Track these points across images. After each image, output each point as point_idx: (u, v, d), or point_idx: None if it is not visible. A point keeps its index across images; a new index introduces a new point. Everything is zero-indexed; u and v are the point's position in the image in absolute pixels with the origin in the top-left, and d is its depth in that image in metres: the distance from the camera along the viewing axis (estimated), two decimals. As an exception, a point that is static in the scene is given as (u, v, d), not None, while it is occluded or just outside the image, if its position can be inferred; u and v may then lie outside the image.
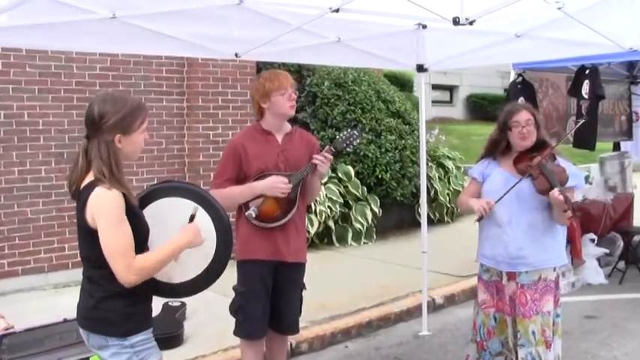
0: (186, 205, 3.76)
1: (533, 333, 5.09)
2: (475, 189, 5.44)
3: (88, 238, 3.43)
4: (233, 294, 5.28)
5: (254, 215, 5.03)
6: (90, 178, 3.43)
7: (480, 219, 5.24)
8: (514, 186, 5.04)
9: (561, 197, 4.79)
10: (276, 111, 5.13)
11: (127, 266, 3.36)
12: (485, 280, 5.39)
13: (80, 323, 3.65)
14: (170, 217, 3.72)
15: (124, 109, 3.48)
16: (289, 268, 5.25)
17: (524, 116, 5.14)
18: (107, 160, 3.42)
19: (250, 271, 5.17)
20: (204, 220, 3.77)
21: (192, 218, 3.72)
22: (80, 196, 3.45)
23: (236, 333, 5.32)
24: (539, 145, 5.18)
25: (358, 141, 5.50)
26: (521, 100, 8.61)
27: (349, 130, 5.49)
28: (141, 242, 3.51)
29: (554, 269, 5.24)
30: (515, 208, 5.10)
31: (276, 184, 5.02)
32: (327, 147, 5.21)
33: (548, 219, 5.12)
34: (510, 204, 5.09)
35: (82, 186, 3.45)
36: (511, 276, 5.18)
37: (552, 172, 5.00)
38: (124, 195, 3.42)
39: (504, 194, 5.05)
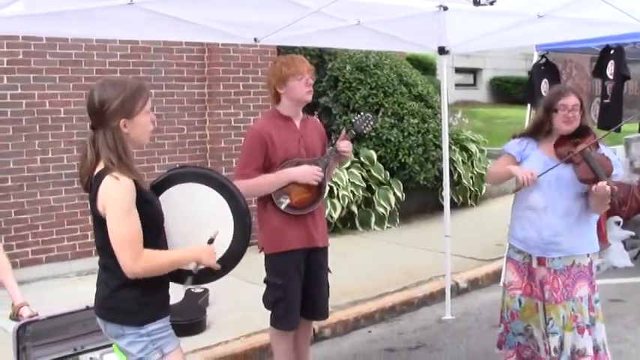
0: (203, 191, 3.74)
1: (564, 318, 5.03)
2: (509, 164, 5.26)
3: (101, 226, 3.42)
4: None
5: (286, 203, 4.99)
6: (100, 167, 3.42)
7: (518, 189, 5.12)
8: (556, 166, 4.93)
9: (609, 188, 4.66)
10: (293, 96, 5.08)
11: (133, 257, 3.34)
12: (517, 261, 5.28)
13: (97, 312, 3.65)
14: (186, 202, 3.70)
15: (123, 93, 3.44)
16: (319, 252, 5.24)
17: (572, 100, 5.01)
18: (114, 148, 3.40)
19: (286, 263, 5.11)
20: (220, 205, 3.75)
21: (211, 241, 3.69)
22: (92, 187, 3.44)
23: (275, 325, 5.25)
24: (582, 131, 5.07)
25: (373, 123, 5.46)
26: (544, 82, 8.53)
27: (363, 114, 5.48)
28: (154, 228, 3.50)
29: (588, 255, 5.16)
30: (553, 193, 5.01)
31: (312, 171, 5.00)
32: (345, 133, 5.18)
33: (585, 206, 5.04)
34: (548, 189, 5.00)
35: (94, 175, 3.44)
36: (541, 261, 5.11)
37: (597, 162, 4.86)
38: (135, 182, 3.39)
39: (547, 170, 4.93)
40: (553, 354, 5.05)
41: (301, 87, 5.04)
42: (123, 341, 3.56)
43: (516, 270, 5.30)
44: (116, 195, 3.33)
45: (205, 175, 3.88)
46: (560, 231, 5.01)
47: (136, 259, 3.35)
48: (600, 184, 4.71)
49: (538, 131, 5.23)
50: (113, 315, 3.55)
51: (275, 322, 5.24)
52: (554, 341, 5.04)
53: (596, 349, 5.11)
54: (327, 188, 5.38)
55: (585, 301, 5.10)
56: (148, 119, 3.55)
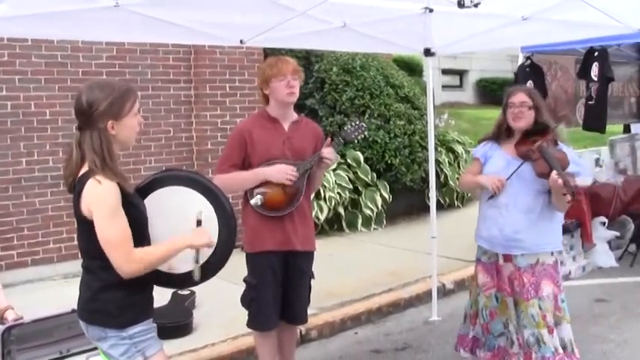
0: (188, 194, 3.74)
1: (533, 316, 5.11)
2: (478, 169, 5.44)
3: (85, 229, 3.43)
4: (242, 283, 5.26)
5: (259, 203, 4.99)
6: (85, 169, 3.42)
7: (491, 197, 5.22)
8: (518, 168, 5.06)
9: (560, 181, 4.76)
10: (276, 97, 5.10)
11: (124, 257, 3.35)
12: (484, 261, 5.43)
13: (79, 315, 3.64)
14: (172, 206, 3.70)
15: (112, 94, 3.44)
16: (299, 257, 5.22)
17: (518, 98, 5.18)
18: (100, 150, 3.39)
19: (261, 263, 5.13)
20: (205, 209, 3.75)
21: (199, 223, 3.69)
22: (75, 188, 3.45)
23: (249, 325, 5.30)
24: (542, 129, 5.18)
25: (365, 133, 5.47)
26: (529, 83, 8.57)
27: (357, 123, 5.46)
28: (139, 231, 3.49)
29: (552, 254, 5.25)
30: (514, 191, 5.12)
31: (284, 169, 4.99)
32: (332, 140, 5.18)
33: (547, 203, 5.13)
34: (509, 187, 5.12)
35: (78, 177, 3.44)
36: (507, 258, 5.22)
37: (553, 156, 4.98)
38: (119, 185, 3.39)
39: (514, 171, 5.07)
40: (525, 347, 5.16)
41: (282, 88, 5.05)
42: (105, 344, 3.56)
43: (485, 271, 5.42)
44: (102, 197, 3.33)
45: (190, 178, 3.88)
46: (521, 228, 5.11)
47: (128, 260, 3.36)
48: (552, 176, 4.82)
49: (498, 131, 5.40)
50: (95, 317, 3.53)
51: (250, 322, 5.29)
52: (526, 334, 5.15)
53: (563, 347, 5.18)
54: (311, 194, 5.36)
55: (553, 301, 5.19)
56: (135, 121, 3.56)
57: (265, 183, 5.02)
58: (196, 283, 3.87)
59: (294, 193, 5.09)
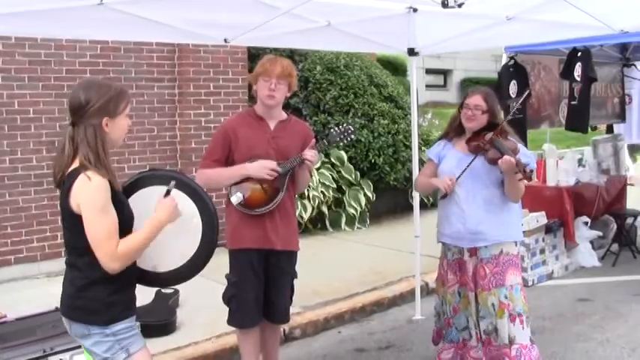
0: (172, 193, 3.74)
1: (493, 305, 5.26)
2: (432, 170, 5.64)
3: (72, 223, 3.44)
4: (226, 281, 5.27)
5: (239, 201, 5.00)
6: (76, 164, 3.43)
7: (444, 196, 5.40)
8: (471, 162, 5.22)
9: (512, 160, 4.93)
10: (258, 96, 5.15)
11: (110, 253, 3.37)
12: (448, 259, 5.58)
13: (63, 312, 3.64)
14: (154, 205, 3.69)
15: (109, 93, 3.50)
16: (280, 256, 5.22)
17: (473, 100, 5.35)
18: (94, 146, 3.42)
19: (241, 260, 5.15)
20: (189, 207, 3.76)
21: (168, 193, 3.69)
22: (64, 184, 3.45)
23: (230, 322, 5.31)
24: (492, 128, 5.33)
25: (353, 137, 5.48)
26: (513, 83, 8.61)
27: (345, 125, 5.45)
28: (125, 230, 3.49)
29: (516, 244, 5.44)
30: (470, 185, 5.28)
31: (265, 164, 5.00)
32: (317, 143, 5.19)
33: (504, 195, 5.29)
34: (465, 181, 5.27)
35: (67, 172, 3.45)
36: (472, 252, 5.37)
37: (503, 144, 5.16)
38: (110, 182, 3.42)
39: (463, 171, 5.24)
40: (483, 336, 5.34)
41: (264, 89, 5.07)
42: (88, 341, 3.56)
43: (449, 268, 5.58)
44: (92, 192, 3.35)
45: (174, 178, 3.88)
46: (482, 219, 5.26)
47: (113, 257, 3.38)
48: (504, 157, 4.98)
49: (450, 127, 5.60)
50: (79, 314, 3.54)
51: (230, 319, 5.30)
52: (483, 325, 5.33)
53: (532, 342, 5.36)
54: (294, 193, 5.37)
55: (517, 290, 5.33)
56: (126, 122, 3.61)
57: (246, 180, 5.03)
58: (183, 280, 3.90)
59: (274, 193, 5.10)
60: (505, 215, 5.31)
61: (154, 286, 4.35)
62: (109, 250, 3.36)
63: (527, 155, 5.35)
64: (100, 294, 3.49)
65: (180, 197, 3.75)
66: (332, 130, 5.47)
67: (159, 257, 3.69)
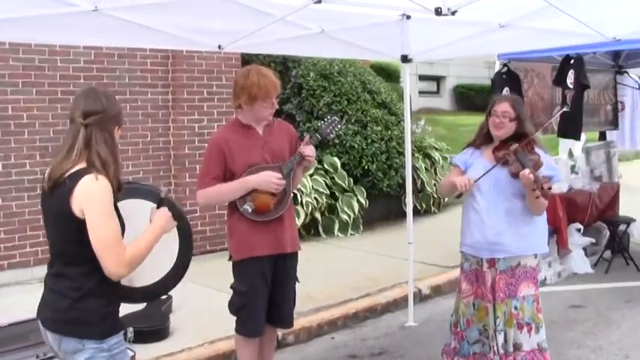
0: (147, 207, 3.73)
1: (505, 314, 5.25)
2: (457, 176, 5.48)
3: (70, 229, 3.33)
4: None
5: (250, 210, 4.98)
6: (80, 166, 3.34)
7: (459, 195, 5.37)
8: (492, 168, 5.17)
9: (531, 176, 4.89)
10: (256, 115, 5.10)
11: (116, 258, 3.28)
12: (465, 269, 5.52)
13: (49, 327, 3.49)
14: (133, 217, 3.63)
15: (119, 106, 3.55)
16: (287, 258, 5.24)
17: (501, 107, 5.27)
18: (112, 150, 3.42)
19: (252, 269, 5.10)
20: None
21: (161, 203, 3.68)
22: (62, 185, 3.34)
23: (239, 331, 5.25)
24: (520, 137, 5.26)
25: (340, 127, 5.50)
26: (506, 90, 8.62)
27: (329, 117, 5.50)
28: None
29: (535, 256, 5.38)
30: (493, 195, 5.23)
31: (270, 179, 4.98)
32: (309, 137, 5.21)
33: (526, 207, 5.21)
34: (488, 191, 5.23)
35: (69, 174, 3.33)
36: (491, 263, 5.30)
37: (527, 157, 5.11)
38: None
39: (482, 175, 5.18)
40: (501, 350, 5.25)
41: (265, 110, 5.07)
42: (81, 356, 3.40)
43: (465, 278, 5.52)
44: (98, 195, 3.28)
45: (151, 192, 3.88)
46: (502, 231, 5.20)
47: (119, 262, 3.29)
48: (523, 173, 4.94)
49: (478, 136, 5.51)
50: (73, 328, 3.39)
51: (239, 328, 5.24)
52: (500, 339, 5.25)
53: (540, 349, 5.36)
54: (292, 194, 5.38)
55: (529, 301, 5.31)
56: (119, 136, 3.59)
57: (253, 190, 5.01)
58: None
59: (282, 196, 5.11)
60: (526, 228, 5.24)
61: (128, 302, 4.26)
62: (119, 255, 3.28)
63: (551, 168, 5.32)
64: (94, 305, 3.38)
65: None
66: (320, 124, 5.53)
67: (136, 271, 3.63)
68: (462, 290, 5.51)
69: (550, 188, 5.02)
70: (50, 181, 3.40)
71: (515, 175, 5.07)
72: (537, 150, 5.27)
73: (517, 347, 5.25)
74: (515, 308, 5.25)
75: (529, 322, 5.29)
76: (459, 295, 5.59)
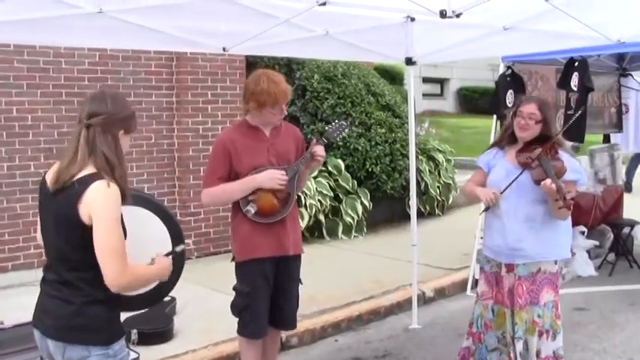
0: (142, 213, 3.74)
1: (526, 322, 5.17)
2: (480, 178, 5.49)
3: (76, 235, 3.27)
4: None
5: (253, 211, 4.99)
6: (88, 170, 3.29)
7: (486, 209, 5.29)
8: (517, 178, 5.07)
9: (553, 186, 4.80)
10: (264, 120, 5.11)
11: (120, 268, 3.22)
12: (486, 270, 5.45)
13: (51, 335, 3.42)
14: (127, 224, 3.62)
15: (129, 109, 3.51)
16: (290, 261, 5.25)
17: (528, 108, 5.17)
18: (116, 153, 3.38)
19: (254, 271, 5.12)
20: (160, 231, 3.77)
21: (171, 254, 3.69)
22: (70, 189, 3.29)
23: (242, 333, 5.27)
24: (544, 139, 5.17)
25: (347, 131, 5.54)
26: (510, 92, 8.61)
27: (337, 121, 5.53)
28: None
29: (556, 262, 5.28)
30: (514, 199, 5.14)
31: (275, 175, 5.00)
32: (317, 139, 5.21)
33: (548, 212, 5.13)
34: (510, 195, 5.13)
35: (78, 178, 3.28)
36: (510, 268, 5.23)
37: (550, 164, 5.02)
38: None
39: (507, 186, 5.09)
40: (519, 358, 5.18)
41: (274, 117, 5.10)
42: None
43: (485, 280, 5.46)
44: (110, 201, 3.23)
45: (143, 198, 3.87)
46: (523, 236, 5.13)
47: (124, 271, 3.23)
48: (545, 182, 4.86)
49: (503, 136, 5.45)
50: (79, 335, 3.33)
51: (241, 330, 5.25)
52: (519, 347, 5.18)
53: (556, 356, 5.30)
54: (296, 196, 5.38)
55: (549, 308, 5.24)
56: (128, 143, 3.55)
57: (257, 190, 5.01)
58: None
59: (286, 198, 5.12)
60: (547, 233, 5.16)
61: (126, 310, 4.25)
62: (122, 264, 3.23)
63: (576, 171, 5.25)
64: (101, 311, 3.34)
65: (148, 217, 3.76)
66: (327, 128, 5.53)
67: None
68: (481, 292, 5.47)
69: (573, 199, 4.92)
70: (57, 183, 3.34)
71: (537, 182, 5.00)
72: (561, 154, 5.18)
73: (538, 354, 5.21)
74: (539, 316, 5.19)
75: (548, 329, 5.25)
76: (477, 298, 5.56)
